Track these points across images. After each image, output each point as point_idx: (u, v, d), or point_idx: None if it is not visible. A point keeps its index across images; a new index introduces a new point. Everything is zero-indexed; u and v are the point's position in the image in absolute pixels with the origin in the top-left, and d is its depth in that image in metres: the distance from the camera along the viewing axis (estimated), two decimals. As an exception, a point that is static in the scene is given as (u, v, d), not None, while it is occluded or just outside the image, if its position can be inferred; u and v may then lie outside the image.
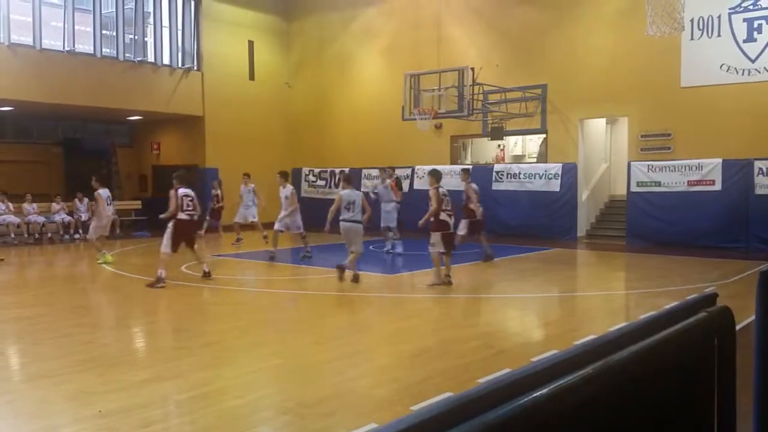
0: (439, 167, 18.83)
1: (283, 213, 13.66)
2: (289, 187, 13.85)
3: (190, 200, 10.55)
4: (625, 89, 16.22)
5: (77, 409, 4.80)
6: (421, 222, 10.39)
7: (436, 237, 9.98)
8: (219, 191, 18.25)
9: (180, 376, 5.75)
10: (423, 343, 6.93)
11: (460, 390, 1.13)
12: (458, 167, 19.10)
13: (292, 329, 7.70)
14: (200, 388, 5.35)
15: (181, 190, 10.47)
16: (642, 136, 16.31)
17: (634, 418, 1.27)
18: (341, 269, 10.32)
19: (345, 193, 10.73)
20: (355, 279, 10.47)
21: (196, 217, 10.90)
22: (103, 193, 13.35)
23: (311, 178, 22.51)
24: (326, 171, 22.05)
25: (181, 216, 10.39)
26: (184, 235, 10.55)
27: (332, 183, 21.81)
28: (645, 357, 1.32)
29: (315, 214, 21.81)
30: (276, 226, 13.71)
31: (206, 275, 10.71)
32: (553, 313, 9.02)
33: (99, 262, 13.07)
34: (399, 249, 15.22)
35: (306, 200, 22.27)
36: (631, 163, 16.15)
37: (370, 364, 6.20)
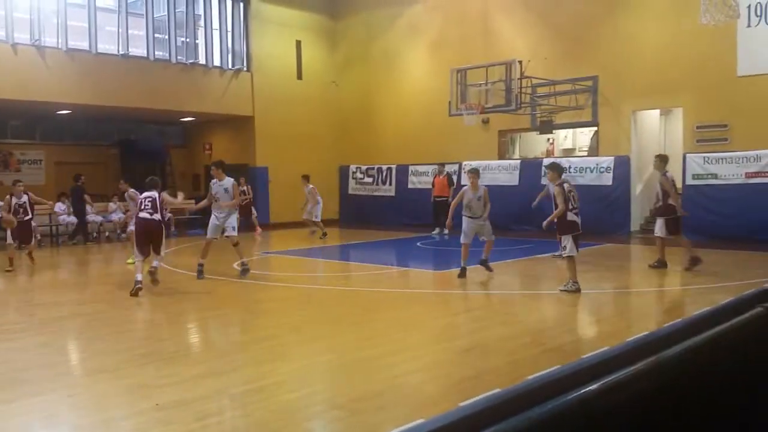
0: (485, 163, 18.86)
1: (220, 214, 11.04)
2: (229, 180, 11.18)
3: (150, 200, 9.90)
4: (679, 79, 15.78)
5: (135, 403, 4.96)
6: (545, 223, 9.64)
7: (567, 240, 9.10)
8: (245, 187, 18.85)
9: (234, 370, 5.89)
10: (472, 339, 6.91)
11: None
12: (506, 162, 18.95)
13: (342, 325, 7.77)
14: (254, 382, 5.46)
15: (145, 193, 10.06)
16: (697, 128, 15.85)
17: (685, 415, 1.25)
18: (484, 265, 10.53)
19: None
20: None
21: (156, 217, 9.82)
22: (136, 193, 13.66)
23: (359, 175, 22.63)
24: (373, 168, 22.13)
25: (141, 215, 9.91)
26: (144, 236, 9.87)
27: (379, 180, 21.89)
28: (698, 353, 1.30)
29: (361, 210, 22.11)
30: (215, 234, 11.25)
31: (152, 274, 9.74)
32: (606, 310, 8.87)
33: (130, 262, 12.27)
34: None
35: (353, 197, 22.47)
36: (687, 155, 15.70)
37: (419, 361, 6.22)
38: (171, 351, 6.64)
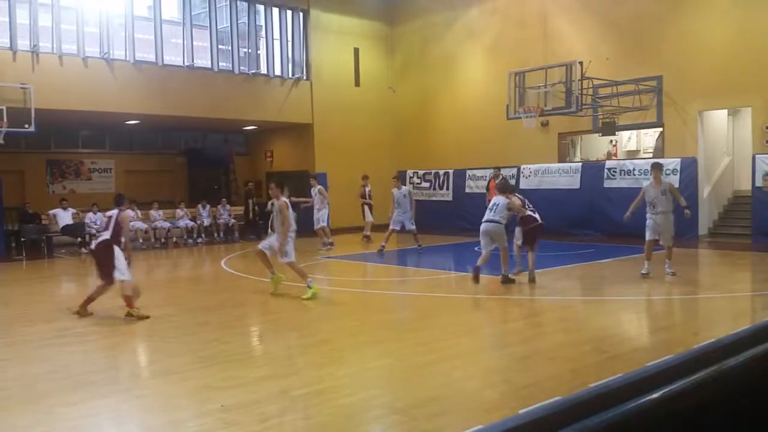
0: (545, 166, 18.57)
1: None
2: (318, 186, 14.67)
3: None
4: (747, 78, 15.20)
5: (201, 404, 5.11)
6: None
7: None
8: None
9: (295, 373, 5.99)
10: (532, 346, 6.83)
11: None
12: (567, 165, 18.62)
13: (400, 330, 7.80)
14: (314, 385, 5.55)
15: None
16: (767, 128, 15.23)
17: (749, 427, 1.22)
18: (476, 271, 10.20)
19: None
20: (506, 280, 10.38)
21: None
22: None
23: (416, 180, 22.63)
24: (430, 173, 22.11)
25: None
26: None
27: (436, 184, 21.84)
28: (763, 362, 1.26)
29: (419, 215, 21.96)
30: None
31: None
32: (673, 317, 8.61)
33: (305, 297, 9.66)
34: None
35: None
36: (756, 156, 15.11)
37: (477, 366, 6.18)
38: (235, 354, 6.80)
